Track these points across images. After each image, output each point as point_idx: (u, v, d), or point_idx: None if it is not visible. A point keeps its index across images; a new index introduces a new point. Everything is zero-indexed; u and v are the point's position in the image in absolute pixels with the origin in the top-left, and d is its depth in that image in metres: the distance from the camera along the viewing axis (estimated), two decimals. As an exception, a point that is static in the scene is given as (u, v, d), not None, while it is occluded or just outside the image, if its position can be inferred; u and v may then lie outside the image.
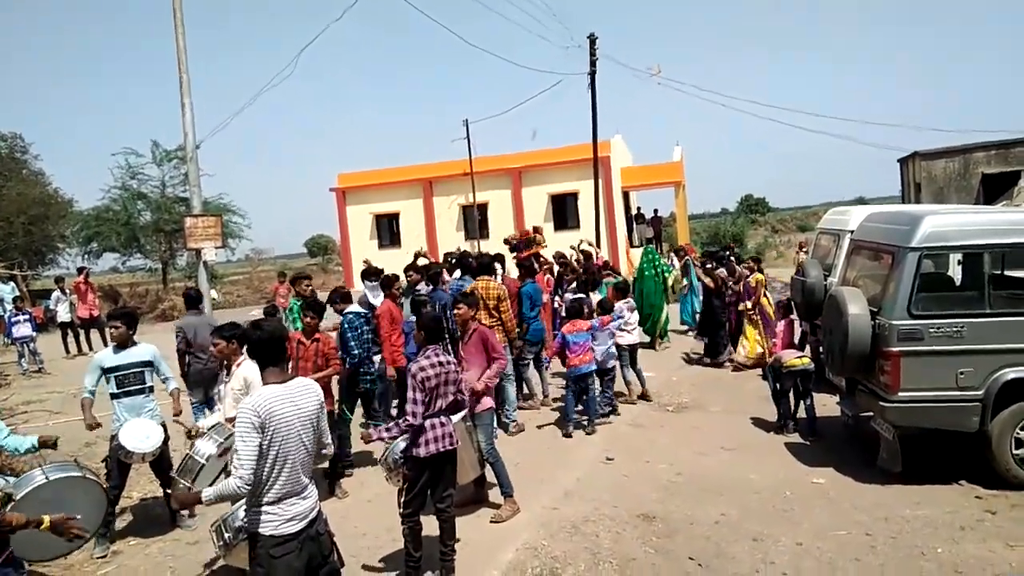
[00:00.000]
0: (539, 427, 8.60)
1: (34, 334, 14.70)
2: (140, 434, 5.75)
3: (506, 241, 15.28)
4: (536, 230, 16.23)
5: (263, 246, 45.16)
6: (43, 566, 5.50)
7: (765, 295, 10.95)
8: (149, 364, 6.12)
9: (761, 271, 11.62)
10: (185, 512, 6.29)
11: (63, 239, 30.76)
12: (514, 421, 8.45)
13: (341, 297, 7.62)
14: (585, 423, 8.35)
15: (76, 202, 31.55)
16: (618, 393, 9.25)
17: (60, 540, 4.76)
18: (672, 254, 17.38)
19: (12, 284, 18.63)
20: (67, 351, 16.22)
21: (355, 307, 7.63)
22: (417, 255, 11.14)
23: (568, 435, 8.16)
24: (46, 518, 3.78)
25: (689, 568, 5.00)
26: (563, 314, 9.73)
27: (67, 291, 16.51)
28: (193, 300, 8.39)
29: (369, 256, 27.62)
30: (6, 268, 19.86)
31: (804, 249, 16.65)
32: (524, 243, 14.98)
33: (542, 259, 12.60)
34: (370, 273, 9.53)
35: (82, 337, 16.50)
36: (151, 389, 6.15)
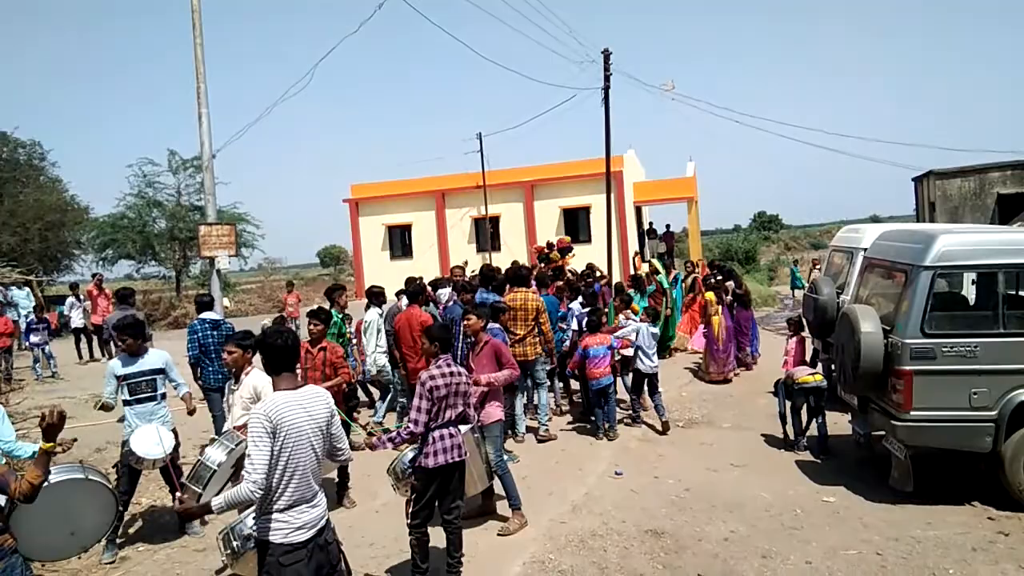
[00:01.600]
0: (548, 439, 8.58)
1: (49, 339, 14.83)
2: (151, 440, 5.76)
3: (537, 248, 15.51)
4: (559, 244, 16.35)
5: (276, 255, 45.30)
6: (51, 569, 5.53)
7: (719, 313, 11.47)
8: (161, 371, 6.18)
9: (716, 286, 12.05)
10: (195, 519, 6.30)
11: (79, 246, 31.01)
12: (545, 427, 8.67)
13: (199, 306, 8.51)
14: (607, 429, 8.58)
15: (92, 209, 31.87)
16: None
17: (68, 542, 4.76)
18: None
19: (27, 290, 18.78)
20: (80, 356, 16.33)
21: (207, 314, 8.33)
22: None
23: (598, 438, 8.49)
24: (41, 444, 3.66)
25: (697, 585, 4.98)
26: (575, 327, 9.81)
27: (81, 297, 16.64)
28: (124, 297, 9.07)
29: (381, 267, 27.74)
30: (22, 274, 20.01)
31: (817, 266, 16.62)
32: (542, 258, 15.16)
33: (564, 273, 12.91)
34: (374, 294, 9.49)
35: (95, 343, 16.61)
36: (163, 396, 6.20)
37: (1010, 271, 6.13)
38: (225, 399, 7.91)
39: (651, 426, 8.99)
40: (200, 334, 8.01)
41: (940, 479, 6.41)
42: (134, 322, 6.34)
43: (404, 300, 9.07)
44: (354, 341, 9.61)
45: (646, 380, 9.08)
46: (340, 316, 8.66)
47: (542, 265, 13.82)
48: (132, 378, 6.00)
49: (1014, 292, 6.45)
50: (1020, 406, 5.80)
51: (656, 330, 9.39)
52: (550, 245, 15.98)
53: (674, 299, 14.09)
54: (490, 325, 7.44)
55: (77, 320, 16.38)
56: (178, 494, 3.98)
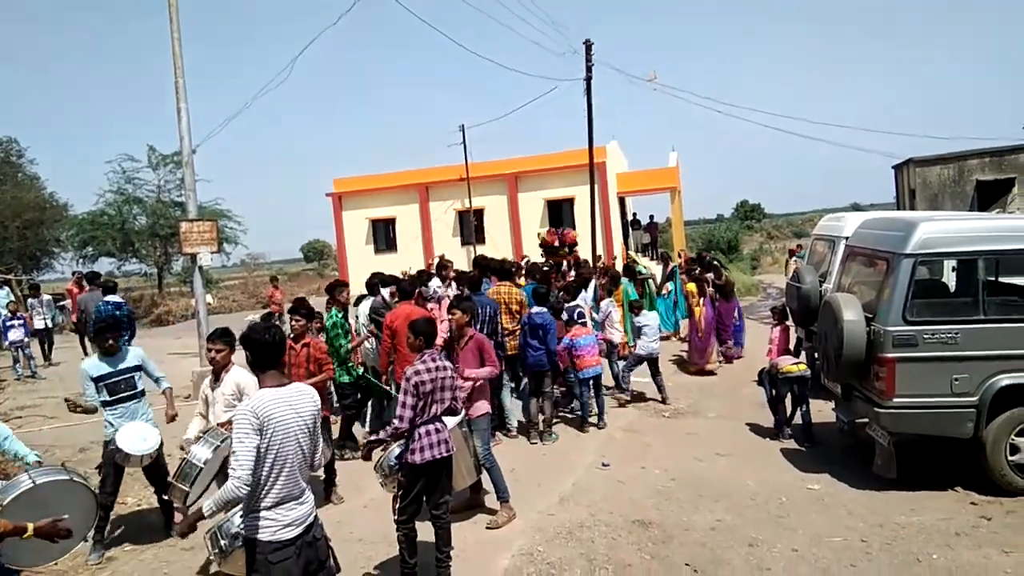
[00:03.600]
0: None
1: (27, 339, 14.60)
2: (137, 436, 5.68)
3: (539, 235, 15.60)
4: (569, 240, 16.40)
5: (259, 251, 45.13)
6: (35, 573, 5.47)
7: (700, 304, 11.71)
8: (138, 368, 6.04)
9: (696, 277, 12.37)
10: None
11: (58, 243, 30.71)
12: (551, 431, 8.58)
13: (104, 289, 9.59)
14: (598, 418, 8.73)
15: (71, 206, 31.56)
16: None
17: (51, 545, 4.71)
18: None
19: (7, 289, 18.54)
20: (44, 359, 15.95)
21: (110, 297, 9.49)
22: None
23: (585, 430, 8.58)
24: (30, 525, 3.69)
25: (684, 574, 5.00)
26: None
27: (43, 299, 16.30)
28: (89, 279, 9.96)
29: (366, 261, 27.65)
30: (0, 273, 19.79)
31: (797, 254, 16.75)
32: (548, 249, 15.23)
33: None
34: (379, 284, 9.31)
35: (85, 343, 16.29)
36: (143, 393, 6.07)
37: (990, 258, 6.19)
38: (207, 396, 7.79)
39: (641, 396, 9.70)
40: (104, 314, 8.80)
41: (923, 465, 6.48)
42: (113, 322, 6.18)
43: (385, 292, 8.97)
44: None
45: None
46: (341, 315, 8.03)
47: (545, 256, 13.93)
48: (110, 378, 5.86)
49: (994, 278, 6.52)
50: (1001, 392, 5.87)
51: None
52: (561, 242, 16.06)
53: (670, 292, 14.31)
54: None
55: (38, 322, 16.07)
56: (175, 525, 3.93)
